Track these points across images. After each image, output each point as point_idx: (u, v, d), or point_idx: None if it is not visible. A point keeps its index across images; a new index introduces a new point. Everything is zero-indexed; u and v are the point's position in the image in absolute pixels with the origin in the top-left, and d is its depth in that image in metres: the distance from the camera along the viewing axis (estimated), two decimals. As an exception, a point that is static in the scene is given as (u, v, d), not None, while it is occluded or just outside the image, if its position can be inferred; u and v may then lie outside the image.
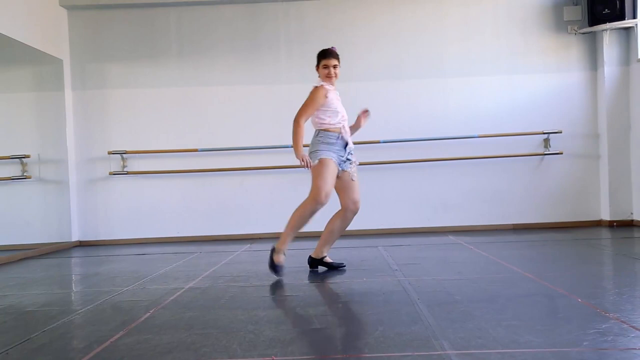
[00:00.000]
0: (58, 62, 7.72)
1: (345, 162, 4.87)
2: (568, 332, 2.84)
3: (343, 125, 4.84)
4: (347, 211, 5.00)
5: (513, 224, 7.78)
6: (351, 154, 4.90)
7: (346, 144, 4.85)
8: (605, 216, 7.68)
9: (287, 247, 4.80)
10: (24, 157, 7.14)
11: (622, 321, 2.98)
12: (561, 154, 7.70)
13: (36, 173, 7.28)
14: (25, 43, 6.97)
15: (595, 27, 7.41)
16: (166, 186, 7.92)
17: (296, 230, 4.81)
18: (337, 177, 4.85)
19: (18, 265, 6.22)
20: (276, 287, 4.34)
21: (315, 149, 4.79)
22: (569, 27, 7.74)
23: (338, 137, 4.81)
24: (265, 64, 7.92)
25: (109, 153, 7.84)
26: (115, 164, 7.89)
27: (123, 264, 6.07)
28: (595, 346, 2.61)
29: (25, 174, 7.15)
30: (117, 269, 5.69)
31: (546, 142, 7.72)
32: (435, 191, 7.80)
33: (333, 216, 5.05)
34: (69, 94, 7.90)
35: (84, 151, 7.94)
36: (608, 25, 7.28)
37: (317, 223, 4.96)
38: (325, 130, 4.81)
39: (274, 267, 4.74)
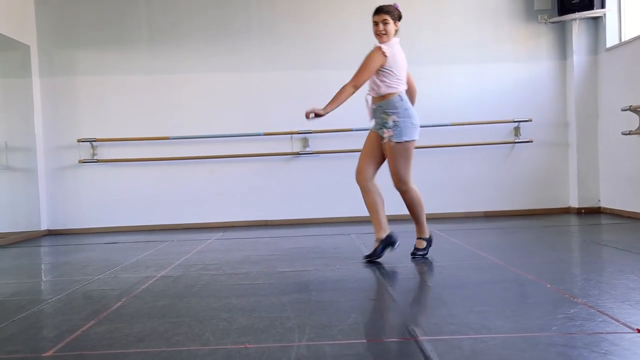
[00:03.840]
0: (25, 48, 7.56)
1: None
2: (537, 317, 2.88)
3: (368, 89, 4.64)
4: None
5: (484, 212, 7.86)
6: (383, 128, 4.54)
7: (372, 112, 4.62)
8: (574, 203, 7.80)
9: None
10: (-10, 145, 7.01)
11: (589, 306, 3.03)
12: (531, 142, 7.79)
13: (4, 161, 7.15)
14: (-9, 28, 6.83)
15: (564, 16, 7.48)
16: (137, 174, 7.83)
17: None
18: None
19: (-15, 255, 6.11)
20: (249, 275, 4.33)
21: None
22: (539, 16, 7.80)
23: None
24: (237, 52, 7.85)
25: (79, 141, 7.73)
26: (85, 152, 7.79)
27: (94, 252, 6.01)
28: (563, 331, 2.65)
29: (-8, 163, 7.02)
30: (87, 258, 5.63)
31: (516, 130, 7.80)
32: (407, 179, 7.82)
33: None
34: (36, 81, 7.74)
35: (53, 139, 7.81)
36: (577, 14, 7.36)
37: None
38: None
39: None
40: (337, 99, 4.45)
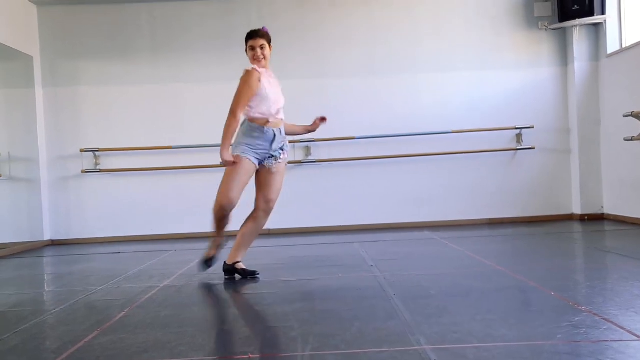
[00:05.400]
0: (28, 58, 7.59)
1: (269, 157, 4.49)
2: (541, 325, 2.87)
3: (273, 115, 4.46)
4: (259, 211, 4.67)
5: (488, 219, 7.84)
6: (282, 150, 4.54)
7: (274, 138, 4.47)
8: (577, 210, 7.79)
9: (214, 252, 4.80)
10: (-7, 156, 7.03)
11: (594, 314, 3.02)
12: (533, 148, 7.78)
13: (6, 172, 7.17)
14: (-6, 39, 6.86)
15: (565, 23, 7.49)
16: (140, 184, 7.84)
17: (219, 234, 4.76)
18: (257, 173, 4.55)
19: (-11, 266, 6.12)
20: (252, 284, 4.33)
21: (236, 142, 4.46)
22: (539, 23, 7.82)
23: (264, 131, 4.43)
24: (239, 61, 7.81)
25: (82, 151, 7.74)
26: (87, 161, 7.80)
27: (96, 262, 6.01)
28: (568, 339, 2.64)
29: (-5, 173, 7.04)
30: (90, 268, 5.63)
31: (518, 137, 7.80)
32: (410, 187, 7.83)
33: (247, 218, 4.75)
34: (39, 92, 7.77)
35: (56, 149, 7.83)
36: (578, 21, 7.37)
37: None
38: (251, 120, 4.44)
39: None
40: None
